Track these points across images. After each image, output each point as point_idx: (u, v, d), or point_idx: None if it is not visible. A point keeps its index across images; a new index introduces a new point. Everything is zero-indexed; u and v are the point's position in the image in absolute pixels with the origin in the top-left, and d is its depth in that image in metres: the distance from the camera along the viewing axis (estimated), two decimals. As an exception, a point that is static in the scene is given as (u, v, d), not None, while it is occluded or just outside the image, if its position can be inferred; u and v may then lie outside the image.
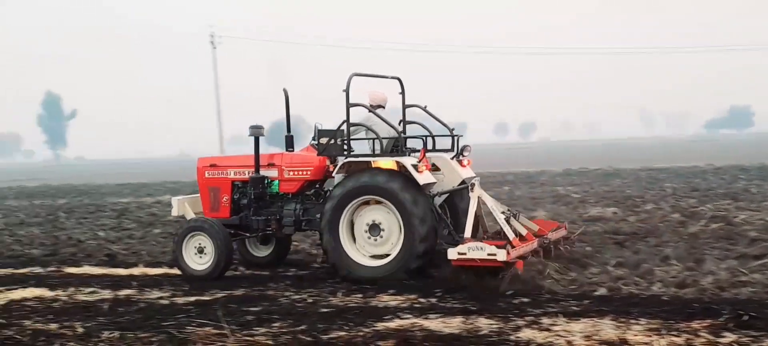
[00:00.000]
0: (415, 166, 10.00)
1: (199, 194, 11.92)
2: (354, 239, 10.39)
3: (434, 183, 10.49)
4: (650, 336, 7.02)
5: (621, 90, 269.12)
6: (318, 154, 10.87)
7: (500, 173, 34.23)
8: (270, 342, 7.36)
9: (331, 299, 9.24)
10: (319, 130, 10.68)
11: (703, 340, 6.89)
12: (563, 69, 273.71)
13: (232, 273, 11.41)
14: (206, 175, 11.77)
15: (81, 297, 9.88)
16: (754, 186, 22.60)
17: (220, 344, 7.35)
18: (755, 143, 74.49)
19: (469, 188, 10.34)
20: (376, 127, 10.66)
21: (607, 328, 7.30)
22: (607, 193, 22.35)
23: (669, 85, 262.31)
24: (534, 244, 10.11)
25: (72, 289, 10.36)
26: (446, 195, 10.97)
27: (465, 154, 11.20)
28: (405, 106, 11.36)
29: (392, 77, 11.29)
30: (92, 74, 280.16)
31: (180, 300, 9.46)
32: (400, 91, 11.33)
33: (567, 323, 7.54)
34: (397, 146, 10.73)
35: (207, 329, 7.82)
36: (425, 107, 11.43)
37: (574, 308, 8.19)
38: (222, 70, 68.95)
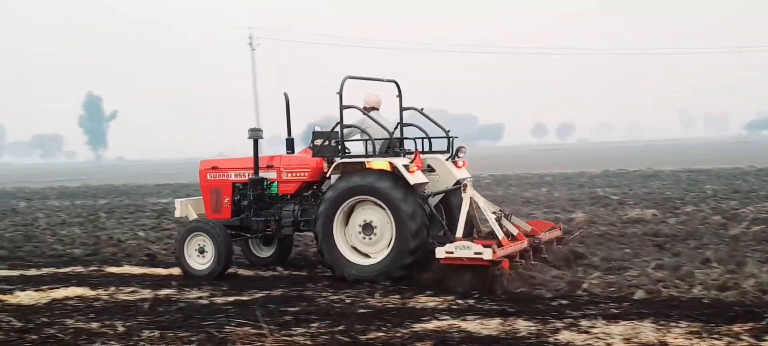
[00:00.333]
0: (406, 167, 10.13)
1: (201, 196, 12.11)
2: (348, 239, 10.54)
3: (426, 183, 10.61)
4: (691, 340, 6.94)
5: (660, 90, 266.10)
6: (313, 156, 11.08)
7: (537, 175, 34.07)
8: (308, 342, 7.40)
9: (369, 299, 9.28)
10: (314, 132, 10.83)
11: (745, 343, 6.81)
12: (599, 70, 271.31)
13: (270, 273, 11.52)
14: (208, 177, 11.97)
15: (121, 296, 10.00)
16: (797, 188, 22.26)
17: (259, 344, 7.40)
18: (798, 144, 73.26)
19: (462, 188, 10.41)
20: (370, 129, 10.81)
21: (647, 331, 7.24)
22: (646, 194, 22.17)
23: (711, 86, 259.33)
24: (524, 243, 10.17)
25: (113, 288, 10.49)
26: (441, 195, 11.10)
27: (460, 155, 11.28)
28: (402, 109, 11.43)
29: (388, 80, 11.34)
30: (132, 77, 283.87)
31: (219, 300, 9.55)
32: (398, 94, 11.39)
33: (606, 325, 7.48)
34: (391, 147, 10.81)
35: (246, 328, 7.88)
36: (422, 110, 11.52)
37: (614, 311, 8.13)
38: (260, 72, 69.21)
